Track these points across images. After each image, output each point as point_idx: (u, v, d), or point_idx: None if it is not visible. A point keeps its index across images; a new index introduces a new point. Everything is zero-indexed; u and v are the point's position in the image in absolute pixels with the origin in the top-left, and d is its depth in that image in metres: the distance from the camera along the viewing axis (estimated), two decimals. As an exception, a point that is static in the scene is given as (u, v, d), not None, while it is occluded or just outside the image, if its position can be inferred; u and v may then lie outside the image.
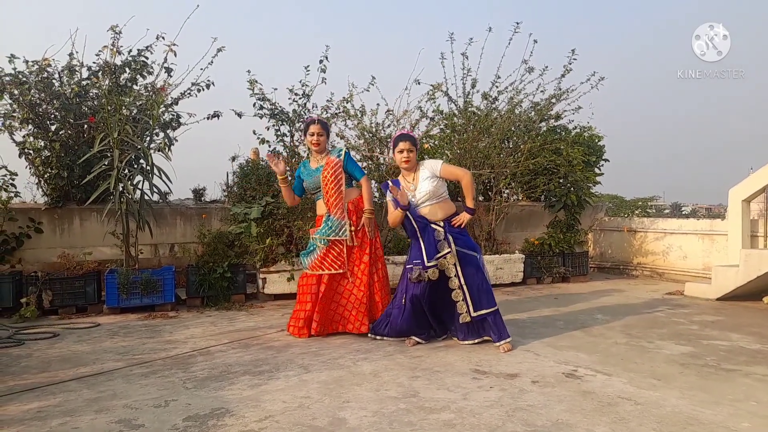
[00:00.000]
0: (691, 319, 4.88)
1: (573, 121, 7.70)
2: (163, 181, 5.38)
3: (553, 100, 7.16)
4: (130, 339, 4.23)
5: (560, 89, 7.11)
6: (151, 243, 6.22)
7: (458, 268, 3.88)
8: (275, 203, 5.74)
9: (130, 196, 5.17)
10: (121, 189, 5.11)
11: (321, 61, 6.31)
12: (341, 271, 4.16)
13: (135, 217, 5.22)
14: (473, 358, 3.62)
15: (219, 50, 5.73)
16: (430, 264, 3.83)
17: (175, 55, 5.65)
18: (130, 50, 5.77)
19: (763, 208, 7.00)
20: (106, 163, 5.10)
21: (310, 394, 2.96)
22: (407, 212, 3.94)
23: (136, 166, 5.41)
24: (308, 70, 6.28)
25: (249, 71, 6.22)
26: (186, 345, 4.01)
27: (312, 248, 4.24)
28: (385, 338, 4.08)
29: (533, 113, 7.31)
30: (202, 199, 7.22)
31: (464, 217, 3.98)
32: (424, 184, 3.95)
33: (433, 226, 3.92)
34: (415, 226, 3.94)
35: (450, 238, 3.89)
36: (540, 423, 2.55)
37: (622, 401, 2.82)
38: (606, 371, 3.33)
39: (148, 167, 5.25)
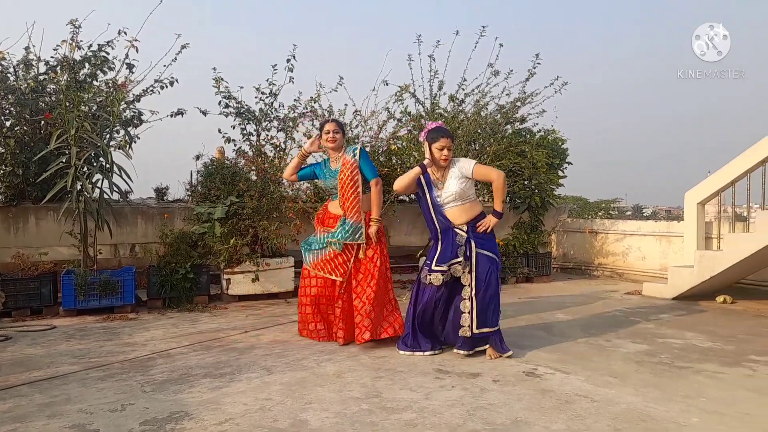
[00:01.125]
0: (648, 318, 5.03)
1: (537, 124, 7.85)
2: (124, 179, 5.26)
3: (518, 103, 7.28)
4: (86, 342, 4.11)
5: (525, 92, 7.23)
6: (110, 243, 6.06)
7: (473, 277, 3.62)
8: (240, 203, 5.67)
9: (88, 195, 5.03)
10: (79, 187, 4.96)
11: (288, 60, 6.28)
12: (340, 279, 4.02)
13: (93, 217, 5.08)
14: (436, 359, 3.65)
15: (183, 47, 5.63)
16: (436, 268, 3.65)
17: (137, 51, 5.53)
18: (90, 45, 5.61)
19: (718, 210, 7.25)
20: (63, 160, 4.95)
21: (272, 396, 2.93)
22: (433, 213, 3.74)
23: (95, 164, 5.27)
24: (275, 69, 6.24)
25: (214, 69, 6.15)
26: (145, 347, 3.93)
27: (320, 246, 4.09)
28: (415, 353, 3.74)
29: (499, 116, 7.41)
30: (165, 198, 7.08)
31: (491, 221, 3.73)
32: (452, 184, 3.72)
33: (455, 230, 3.70)
34: (438, 226, 3.74)
35: (473, 243, 3.65)
36: (499, 421, 2.59)
37: (579, 399, 2.89)
38: (565, 370, 3.40)
39: (108, 165, 5.12)
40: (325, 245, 4.09)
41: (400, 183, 3.81)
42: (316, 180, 4.40)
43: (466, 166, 3.75)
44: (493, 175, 3.76)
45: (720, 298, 5.89)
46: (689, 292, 5.94)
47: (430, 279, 3.69)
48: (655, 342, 4.13)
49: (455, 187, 3.71)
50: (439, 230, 3.76)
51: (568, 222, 8.83)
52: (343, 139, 4.21)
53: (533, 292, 6.60)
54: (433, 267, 3.68)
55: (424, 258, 4.24)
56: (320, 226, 4.21)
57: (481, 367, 3.44)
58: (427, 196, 3.79)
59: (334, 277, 4.05)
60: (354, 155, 4.06)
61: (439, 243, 3.75)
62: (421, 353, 3.73)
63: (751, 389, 3.07)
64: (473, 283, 3.62)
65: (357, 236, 4.02)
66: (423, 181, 3.79)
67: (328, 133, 4.12)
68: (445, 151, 3.70)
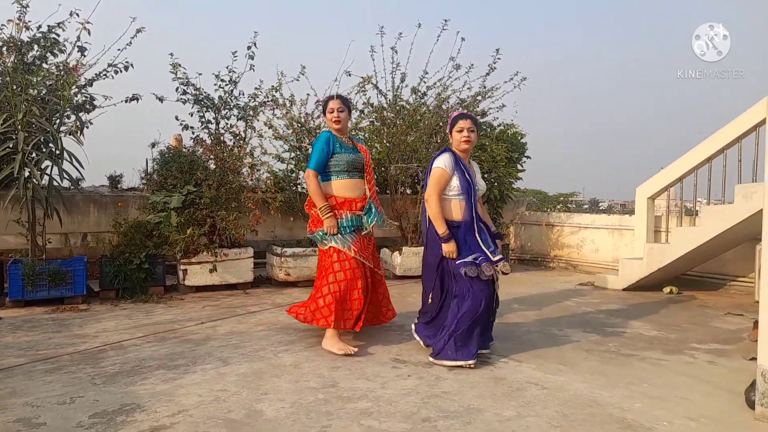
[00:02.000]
0: (599, 308, 5.21)
1: (498, 118, 7.97)
2: (75, 166, 5.08)
3: (479, 98, 7.37)
4: (34, 333, 3.98)
5: (485, 87, 7.32)
6: (61, 232, 5.86)
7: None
8: (198, 192, 5.57)
9: (36, 182, 4.84)
10: (27, 174, 4.77)
11: (249, 48, 6.16)
12: (370, 264, 3.75)
13: (42, 204, 4.90)
14: (394, 348, 3.69)
15: (138, 31, 5.46)
16: (496, 259, 3.40)
17: (89, 33, 5.31)
18: (39, 26, 5.38)
19: (668, 204, 7.53)
20: (10, 145, 4.75)
21: (228, 387, 2.91)
22: (472, 200, 3.46)
23: (44, 150, 5.06)
24: (236, 56, 6.12)
25: (171, 54, 5.99)
26: (97, 339, 3.83)
27: (352, 228, 3.66)
28: (460, 362, 3.28)
29: (460, 109, 7.49)
30: (119, 186, 6.88)
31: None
32: (481, 180, 3.62)
33: (482, 224, 3.51)
34: (474, 215, 3.45)
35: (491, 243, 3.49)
36: (453, 409, 2.65)
37: (530, 386, 2.98)
38: (517, 358, 3.50)
39: (58, 151, 4.94)
40: (359, 228, 3.68)
41: (435, 207, 3.46)
42: (334, 155, 3.69)
43: (478, 169, 3.75)
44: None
45: (667, 289, 6.15)
46: (639, 283, 6.18)
47: (493, 269, 3.35)
48: (604, 331, 4.28)
49: (483, 186, 3.64)
50: (474, 220, 3.45)
51: (526, 215, 9.02)
52: (350, 116, 3.84)
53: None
54: (494, 258, 3.38)
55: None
56: (343, 210, 3.68)
57: (437, 357, 3.50)
58: (466, 176, 3.48)
59: (367, 263, 3.71)
60: (358, 139, 3.97)
61: (477, 236, 3.43)
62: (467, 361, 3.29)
63: (690, 375, 3.23)
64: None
65: (384, 223, 3.80)
66: (460, 164, 3.50)
67: (333, 111, 3.70)
68: (465, 132, 3.48)
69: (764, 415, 2.52)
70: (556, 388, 2.97)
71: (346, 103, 3.79)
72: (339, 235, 3.61)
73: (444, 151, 3.57)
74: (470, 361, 3.25)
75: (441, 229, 3.42)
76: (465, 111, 3.72)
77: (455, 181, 3.46)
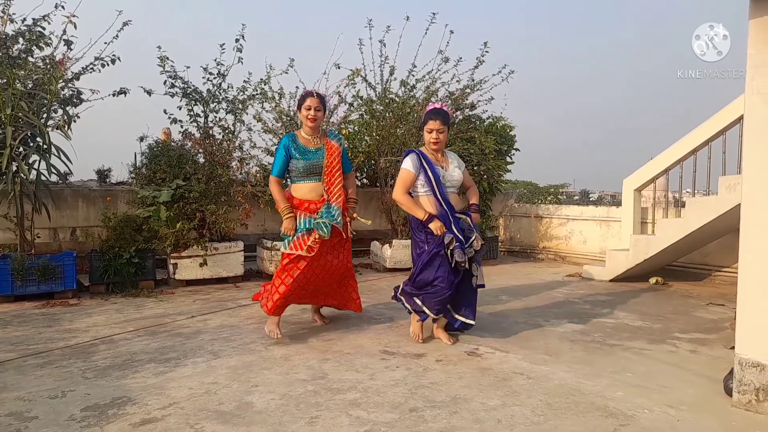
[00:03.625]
0: (585, 299, 5.29)
1: (486, 111, 8.00)
2: (63, 161, 5.07)
3: (468, 90, 7.39)
4: (24, 328, 3.99)
5: (473, 80, 7.35)
6: (49, 227, 5.85)
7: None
8: (187, 186, 5.57)
9: (24, 177, 4.83)
10: (15, 168, 4.76)
11: (237, 40, 6.14)
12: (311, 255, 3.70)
13: (31, 199, 4.89)
14: (383, 340, 3.74)
15: (125, 24, 5.42)
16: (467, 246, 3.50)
17: (75, 27, 5.27)
18: (24, 19, 5.33)
19: (657, 196, 7.61)
20: (-4, 140, 4.72)
21: (218, 379, 2.95)
22: (438, 195, 3.60)
23: (31, 145, 5.04)
24: (224, 49, 6.10)
25: (159, 47, 5.97)
26: (87, 334, 3.85)
27: (306, 230, 3.68)
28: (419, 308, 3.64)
29: (449, 102, 7.51)
30: (107, 180, 6.87)
31: (477, 216, 3.77)
32: (455, 172, 3.70)
33: (458, 215, 3.63)
34: (446, 208, 3.58)
35: (474, 231, 3.59)
36: (440, 399, 2.70)
37: (516, 376, 3.05)
38: (504, 349, 3.56)
39: (45, 146, 4.92)
40: (309, 227, 3.68)
41: (401, 199, 3.66)
42: (291, 160, 3.77)
43: (462, 163, 3.83)
44: (471, 182, 3.91)
45: (652, 280, 6.25)
46: (625, 274, 6.27)
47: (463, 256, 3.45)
48: (590, 322, 4.36)
49: (458, 176, 3.71)
50: (448, 212, 3.56)
51: (515, 207, 9.09)
52: (324, 116, 3.91)
53: (480, 274, 6.79)
54: (466, 244, 3.50)
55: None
56: (300, 212, 3.76)
57: (425, 348, 3.56)
58: (430, 173, 3.60)
59: (305, 253, 3.67)
60: (340, 143, 3.90)
61: (453, 226, 3.55)
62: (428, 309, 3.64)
63: (671, 364, 3.31)
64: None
65: (339, 220, 3.75)
66: (423, 162, 3.62)
67: (309, 109, 3.72)
68: (434, 134, 3.61)
69: (741, 401, 2.60)
70: (541, 377, 3.03)
71: (323, 102, 3.83)
72: (294, 236, 3.69)
73: (408, 152, 3.74)
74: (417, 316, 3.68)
75: (420, 214, 3.57)
76: (437, 106, 3.74)
77: (422, 179, 3.64)
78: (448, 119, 3.71)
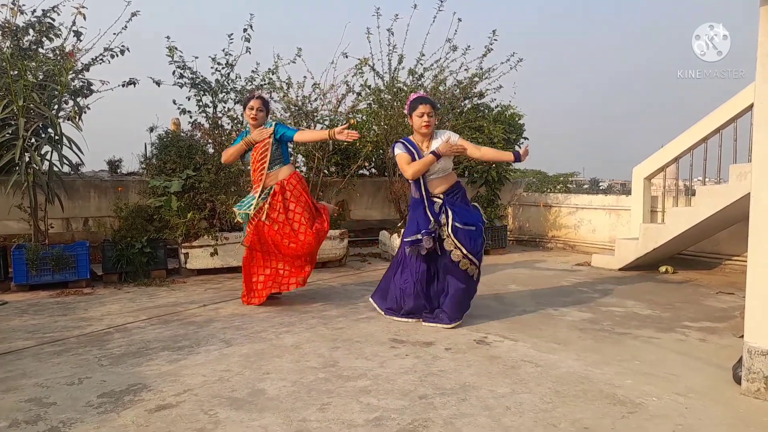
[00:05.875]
0: (594, 288, 5.29)
1: (495, 99, 7.97)
2: (74, 151, 5.12)
3: (476, 79, 7.36)
4: (40, 317, 4.06)
5: (481, 68, 7.32)
6: (62, 217, 5.92)
7: (457, 241, 3.72)
8: (197, 176, 5.62)
9: (37, 167, 4.89)
10: (27, 159, 4.81)
11: (245, 30, 6.14)
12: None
13: (44, 190, 4.96)
14: (392, 328, 3.78)
15: (133, 14, 5.45)
16: (430, 228, 3.72)
17: (84, 18, 5.30)
18: (34, 10, 5.36)
19: (668, 185, 7.56)
20: (9, 132, 4.78)
21: (231, 367, 3.00)
22: (422, 181, 3.80)
23: (43, 136, 5.10)
24: (232, 39, 6.11)
25: (168, 37, 5.98)
26: (102, 322, 3.91)
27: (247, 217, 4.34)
28: (395, 318, 3.97)
29: (458, 91, 7.49)
30: (118, 171, 6.93)
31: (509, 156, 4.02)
32: (441, 161, 3.82)
33: (433, 199, 3.83)
34: (424, 194, 3.81)
35: (449, 211, 3.76)
36: (449, 386, 2.73)
37: (525, 364, 3.07)
38: (513, 337, 3.59)
39: (57, 137, 4.97)
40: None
41: (416, 169, 3.77)
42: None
43: (453, 138, 3.88)
44: (477, 147, 3.98)
45: (662, 269, 6.23)
46: (634, 263, 6.25)
47: (427, 242, 3.68)
48: (599, 310, 4.37)
49: (443, 161, 3.81)
50: (425, 198, 3.81)
51: (524, 196, 9.07)
52: (266, 117, 4.36)
53: (488, 263, 6.79)
54: (429, 228, 3.71)
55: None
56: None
57: (434, 336, 3.59)
58: (416, 157, 3.82)
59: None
60: (270, 125, 4.25)
61: (427, 211, 3.80)
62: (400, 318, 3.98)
63: (680, 352, 3.32)
64: (459, 244, 3.72)
65: (247, 206, 4.27)
66: (411, 149, 3.84)
67: (252, 110, 4.21)
68: (426, 118, 3.77)
69: (749, 390, 2.61)
70: (549, 365, 3.05)
71: (265, 105, 4.31)
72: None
73: (396, 143, 3.96)
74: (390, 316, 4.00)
75: (428, 158, 3.74)
76: (422, 94, 3.98)
77: None
78: (435, 104, 3.92)
